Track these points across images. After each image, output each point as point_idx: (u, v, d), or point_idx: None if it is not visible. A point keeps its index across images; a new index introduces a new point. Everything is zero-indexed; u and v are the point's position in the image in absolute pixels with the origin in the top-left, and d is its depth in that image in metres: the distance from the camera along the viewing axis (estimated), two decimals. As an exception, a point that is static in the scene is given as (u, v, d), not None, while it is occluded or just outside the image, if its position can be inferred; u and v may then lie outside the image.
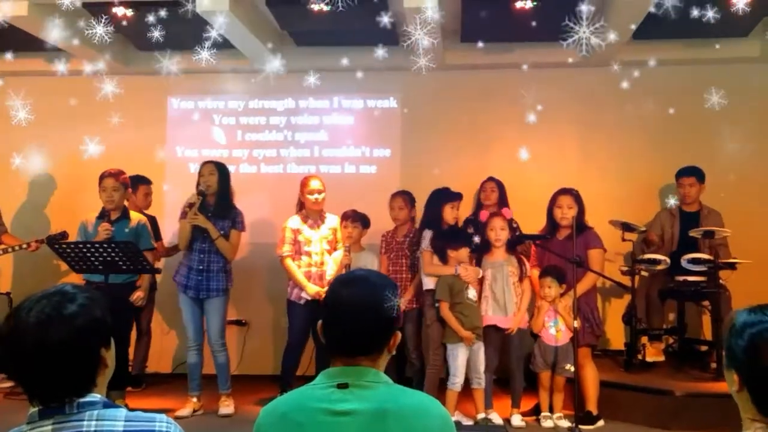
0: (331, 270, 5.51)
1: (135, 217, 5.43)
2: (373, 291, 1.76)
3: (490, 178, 6.16)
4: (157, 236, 6.14)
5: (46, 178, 6.99)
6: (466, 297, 5.03)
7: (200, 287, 5.34)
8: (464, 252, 5.11)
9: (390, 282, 1.86)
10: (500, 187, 6.10)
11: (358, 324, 1.72)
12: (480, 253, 5.26)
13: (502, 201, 6.04)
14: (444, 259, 5.16)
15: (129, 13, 5.70)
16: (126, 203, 5.50)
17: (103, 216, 5.27)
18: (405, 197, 5.78)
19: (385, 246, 5.74)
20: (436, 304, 5.12)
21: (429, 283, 5.23)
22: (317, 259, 5.60)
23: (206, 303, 5.38)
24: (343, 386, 1.68)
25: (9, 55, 5.92)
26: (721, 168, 6.16)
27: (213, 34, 5.27)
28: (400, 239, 5.70)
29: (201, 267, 5.34)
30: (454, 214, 5.33)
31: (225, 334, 5.51)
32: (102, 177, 5.32)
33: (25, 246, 5.86)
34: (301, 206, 5.72)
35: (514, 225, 5.56)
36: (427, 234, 5.27)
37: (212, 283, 5.35)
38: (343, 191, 6.31)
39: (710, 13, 4.85)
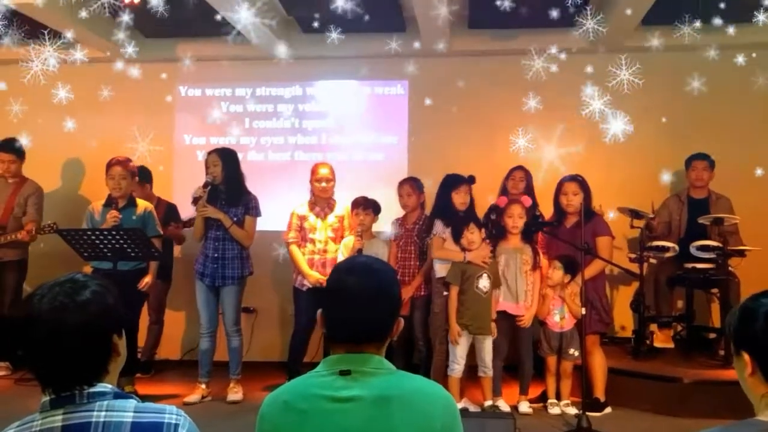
0: (342, 256, 5.50)
1: (141, 204, 5.46)
2: (377, 278, 1.75)
3: (520, 167, 6.09)
4: (178, 222, 6.25)
5: (48, 166, 7.00)
6: (476, 287, 5.00)
7: (216, 275, 5.37)
8: (471, 235, 5.05)
9: (392, 269, 1.87)
10: (528, 176, 6.05)
11: (364, 311, 1.71)
12: (496, 239, 5.25)
13: (528, 191, 5.99)
14: (460, 246, 5.12)
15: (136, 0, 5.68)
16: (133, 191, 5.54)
17: (110, 203, 5.29)
18: (412, 183, 5.76)
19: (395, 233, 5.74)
20: (445, 293, 5.11)
21: (440, 271, 5.21)
22: (321, 246, 5.60)
23: (222, 291, 5.41)
24: (345, 373, 1.68)
25: (7, 40, 5.88)
26: (731, 154, 6.12)
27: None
28: (410, 226, 5.68)
29: (216, 255, 5.36)
30: (462, 199, 5.27)
31: (240, 320, 5.55)
32: (109, 165, 5.35)
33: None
34: (312, 193, 5.73)
35: (538, 213, 5.53)
36: (438, 222, 5.24)
37: (227, 271, 5.38)
38: (351, 178, 6.30)
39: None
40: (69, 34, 5.94)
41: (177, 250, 6.58)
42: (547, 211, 5.66)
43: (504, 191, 6.07)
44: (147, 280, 5.37)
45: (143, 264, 5.34)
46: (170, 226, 6.12)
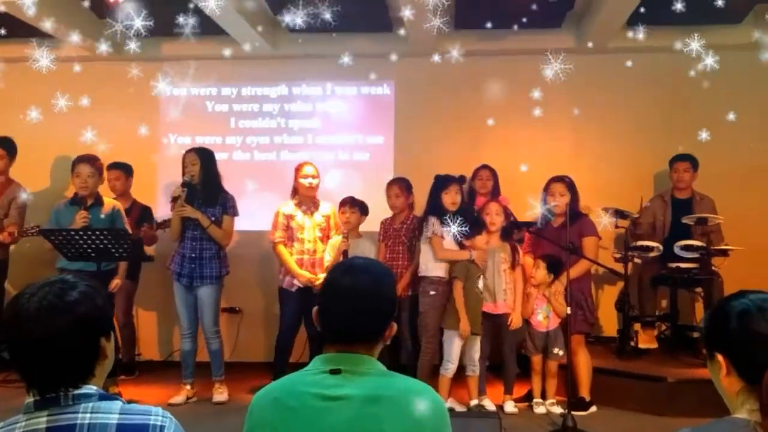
0: (328, 256, 5.50)
1: (109, 203, 5.39)
2: (374, 280, 1.77)
3: (485, 166, 6.14)
4: (150, 223, 6.16)
5: (40, 166, 6.95)
6: (476, 286, 5.02)
7: (193, 275, 5.32)
8: (480, 239, 5.08)
9: (389, 272, 1.89)
10: (494, 175, 6.10)
11: (358, 312, 1.72)
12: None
13: (496, 189, 6.04)
14: (461, 246, 5.14)
15: (120, -1, 5.64)
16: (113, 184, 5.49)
17: (77, 202, 5.23)
18: (401, 184, 5.76)
19: (383, 233, 5.74)
20: (431, 292, 5.13)
21: (429, 269, 5.18)
22: (309, 246, 5.59)
23: (199, 291, 5.36)
24: (335, 372, 1.68)
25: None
26: (714, 155, 6.17)
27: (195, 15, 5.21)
28: (398, 226, 5.68)
29: (193, 255, 5.32)
30: (451, 200, 5.25)
31: (219, 322, 5.51)
32: (75, 162, 5.27)
33: None
34: (294, 193, 5.71)
35: (508, 212, 5.55)
36: (434, 220, 5.18)
37: (205, 271, 5.33)
38: (337, 178, 6.30)
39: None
40: (53, 32, 5.90)
41: (149, 250, 6.51)
42: (527, 210, 5.67)
43: (471, 191, 6.08)
44: (117, 281, 5.33)
45: (112, 265, 5.28)
46: (144, 227, 6.05)
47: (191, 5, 5.15)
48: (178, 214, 5.32)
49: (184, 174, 5.39)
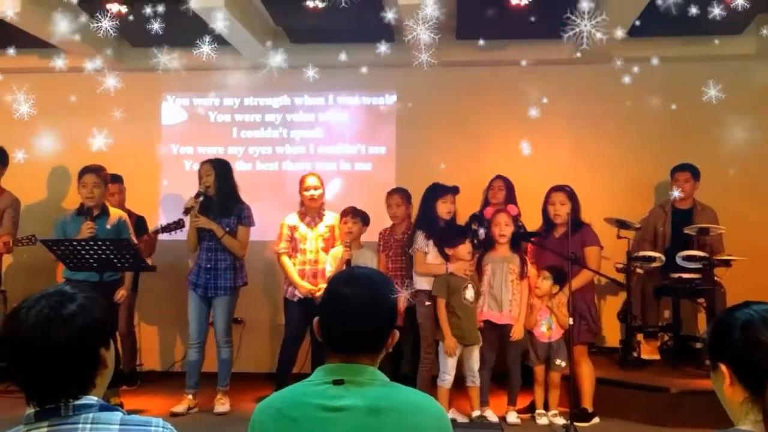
0: (330, 266, 5.50)
1: (114, 213, 5.38)
2: (375, 289, 1.76)
3: (499, 177, 6.10)
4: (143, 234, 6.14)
5: (34, 176, 6.95)
6: (463, 297, 5.01)
7: (209, 285, 5.36)
8: (463, 248, 5.09)
9: (389, 280, 1.89)
10: (508, 185, 6.05)
11: (360, 322, 1.72)
12: (484, 248, 5.25)
13: (510, 200, 6.01)
14: (445, 257, 5.13)
15: (123, 9, 5.66)
16: (108, 199, 5.50)
17: (83, 213, 5.21)
18: (401, 194, 5.77)
19: (383, 243, 5.73)
20: (427, 302, 5.12)
21: (421, 283, 5.20)
22: (311, 257, 5.61)
23: (214, 301, 5.41)
24: (338, 382, 1.68)
25: (11, 51, 5.82)
26: (716, 165, 6.17)
27: (212, 30, 5.23)
28: (399, 236, 5.68)
29: (209, 265, 5.36)
30: (447, 209, 5.27)
31: (231, 331, 5.53)
32: (82, 173, 5.25)
33: None
34: (302, 204, 5.73)
35: (520, 223, 5.55)
36: (419, 234, 5.24)
37: (220, 282, 5.37)
38: (339, 188, 6.30)
39: (716, 10, 4.83)
40: (54, 42, 5.92)
41: (149, 259, 6.50)
42: (529, 220, 5.68)
43: (485, 201, 6.09)
44: (122, 292, 5.34)
45: (117, 275, 5.28)
46: (146, 234, 6.01)
47: (186, 11, 5.16)
48: (192, 225, 5.35)
49: (200, 185, 5.42)
